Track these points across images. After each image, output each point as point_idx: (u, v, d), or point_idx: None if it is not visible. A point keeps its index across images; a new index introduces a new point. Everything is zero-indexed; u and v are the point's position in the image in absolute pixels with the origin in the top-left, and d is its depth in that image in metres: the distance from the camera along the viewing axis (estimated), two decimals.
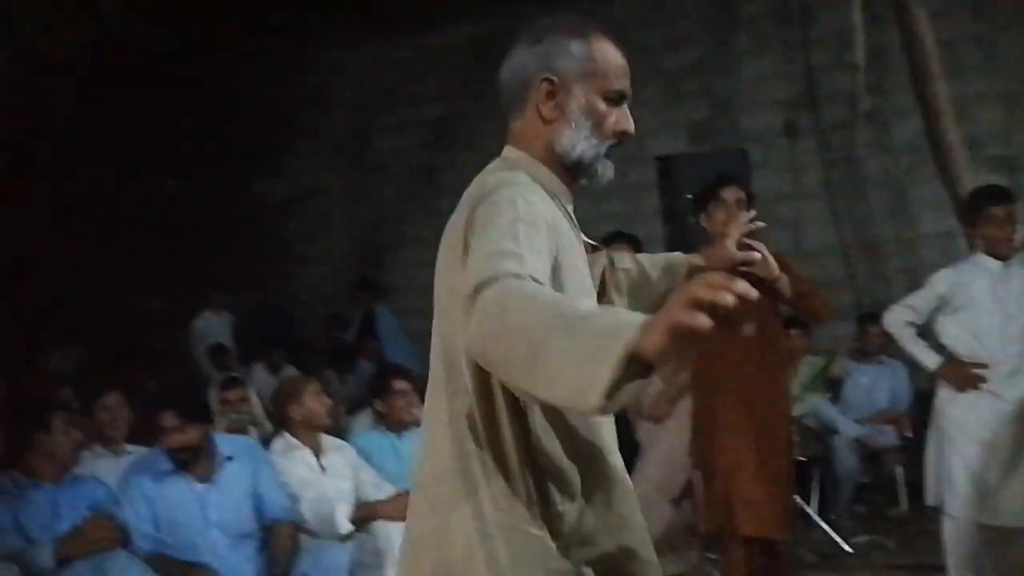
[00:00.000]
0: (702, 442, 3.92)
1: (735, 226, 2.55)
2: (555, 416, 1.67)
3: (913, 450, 5.60)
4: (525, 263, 1.48)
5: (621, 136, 1.81)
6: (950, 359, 3.90)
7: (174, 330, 8.87)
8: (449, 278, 1.68)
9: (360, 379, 8.17)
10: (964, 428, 3.81)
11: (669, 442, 4.43)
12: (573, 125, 1.77)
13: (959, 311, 3.87)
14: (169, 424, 3.63)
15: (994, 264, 3.84)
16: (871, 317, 6.20)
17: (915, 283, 4.28)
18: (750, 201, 3.86)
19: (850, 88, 7.59)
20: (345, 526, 3.97)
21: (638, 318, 1.24)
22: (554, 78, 1.75)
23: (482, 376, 1.61)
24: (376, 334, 8.98)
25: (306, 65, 10.13)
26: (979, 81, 7.19)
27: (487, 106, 9.47)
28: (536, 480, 1.66)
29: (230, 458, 3.80)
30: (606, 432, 1.78)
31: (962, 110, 6.40)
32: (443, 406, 1.69)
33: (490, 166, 1.82)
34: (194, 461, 3.67)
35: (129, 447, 4.46)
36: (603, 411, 1.25)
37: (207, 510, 3.68)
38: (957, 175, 5.88)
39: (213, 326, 8.74)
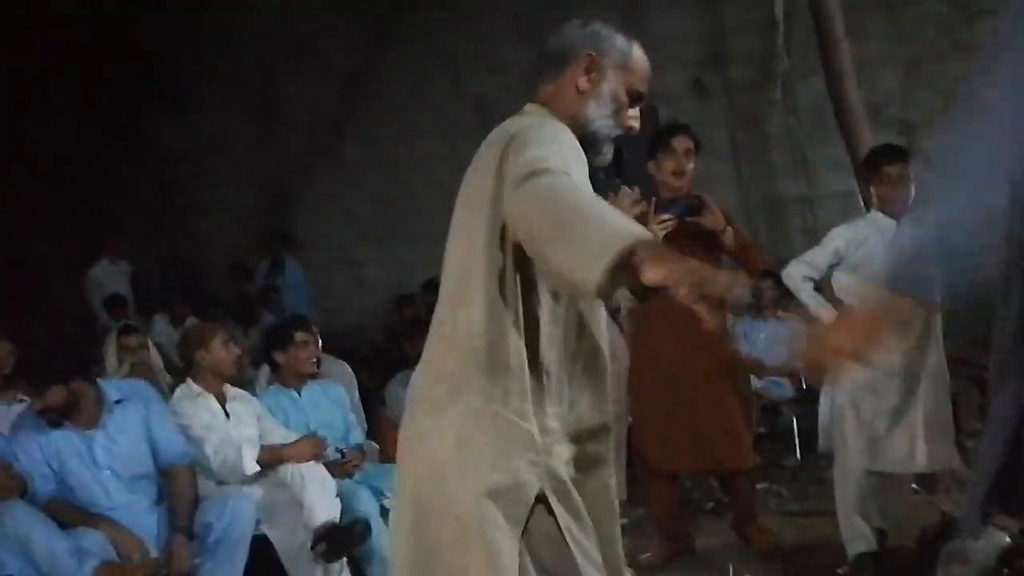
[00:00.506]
0: (657, 384, 4.12)
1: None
2: (560, 328, 1.88)
3: (808, 402, 5.81)
4: (570, 171, 1.74)
5: (628, 131, 2.05)
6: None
7: (71, 278, 8.61)
8: (475, 205, 1.84)
9: (263, 331, 8.09)
10: (856, 380, 3.95)
11: None
12: (600, 102, 2.00)
13: (855, 267, 3.99)
14: (27, 390, 3.59)
15: (887, 222, 3.96)
16: (763, 273, 6.36)
17: (815, 240, 4.41)
18: (696, 150, 4.13)
19: (758, 49, 7.72)
20: (252, 468, 3.95)
21: (639, 232, 1.52)
22: (596, 56, 1.99)
23: (502, 281, 1.82)
24: (277, 287, 8.90)
25: (212, 9, 9.83)
26: (881, 45, 7.38)
27: (397, 57, 9.37)
28: (533, 380, 1.85)
29: (119, 401, 3.76)
30: (600, 351, 1.99)
31: (864, 73, 6.58)
32: (448, 318, 1.87)
33: (511, 118, 1.98)
34: (72, 413, 3.63)
35: (21, 395, 4.34)
36: (598, 293, 1.52)
37: (95, 454, 3.65)
38: (857, 136, 6.04)
39: (110, 275, 8.51)
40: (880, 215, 3.98)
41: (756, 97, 8.00)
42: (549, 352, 1.88)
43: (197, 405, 4.10)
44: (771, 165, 7.96)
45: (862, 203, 5.58)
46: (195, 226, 10.09)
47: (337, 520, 3.85)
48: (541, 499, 1.86)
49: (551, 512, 1.86)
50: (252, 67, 10.01)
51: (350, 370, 5.48)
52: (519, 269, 1.82)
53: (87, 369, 3.89)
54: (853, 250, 4.00)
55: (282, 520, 3.89)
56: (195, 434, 3.98)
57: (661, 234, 3.94)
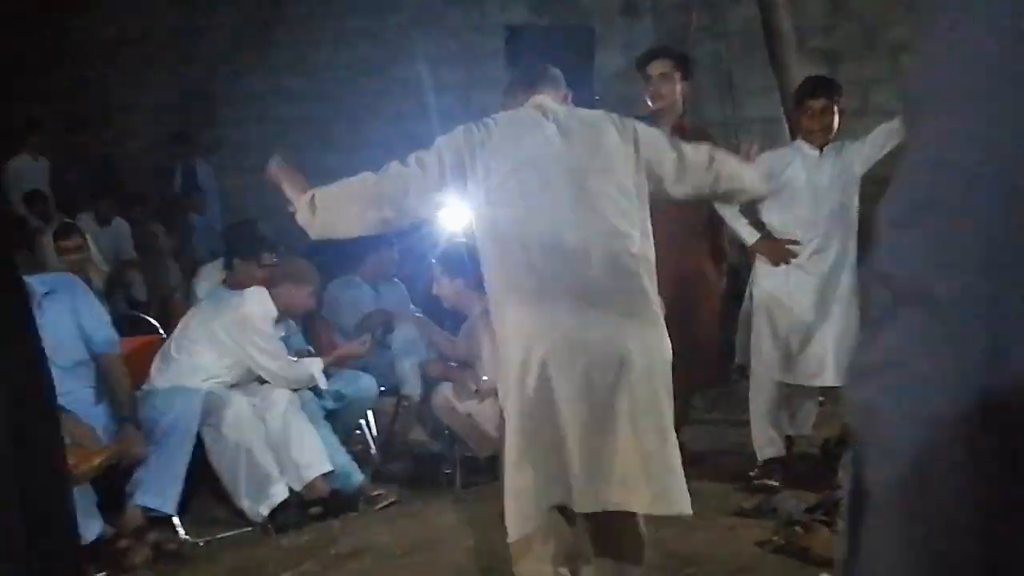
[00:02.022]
0: None
1: None
2: None
3: (722, 321, 6.08)
4: None
5: None
6: (767, 235, 4.26)
7: None
8: (618, 168, 2.69)
9: (186, 231, 8.07)
10: (774, 297, 4.21)
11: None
12: None
13: (778, 192, 4.20)
14: None
15: (811, 151, 4.17)
16: None
17: None
18: (682, 69, 4.25)
19: None
20: (322, 380, 4.31)
21: None
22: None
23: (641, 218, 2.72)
24: (199, 187, 8.83)
25: None
26: None
27: None
28: None
29: (47, 294, 3.81)
30: None
31: (790, 2, 6.72)
32: (623, 237, 2.62)
33: (559, 104, 2.81)
34: None
35: None
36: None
37: None
38: (786, 64, 6.21)
39: (30, 170, 8.31)
40: (804, 144, 4.20)
41: (685, 20, 8.10)
42: None
43: (277, 326, 4.33)
44: (697, 89, 8.11)
45: (787, 130, 5.80)
46: (116, 124, 9.85)
47: (327, 470, 4.07)
48: None
49: None
50: None
51: None
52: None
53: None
54: (776, 176, 4.20)
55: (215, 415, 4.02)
56: (268, 345, 4.22)
57: None
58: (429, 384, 4.72)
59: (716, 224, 4.37)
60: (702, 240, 4.41)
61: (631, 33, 8.24)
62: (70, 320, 3.82)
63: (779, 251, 4.18)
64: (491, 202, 2.62)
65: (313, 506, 4.07)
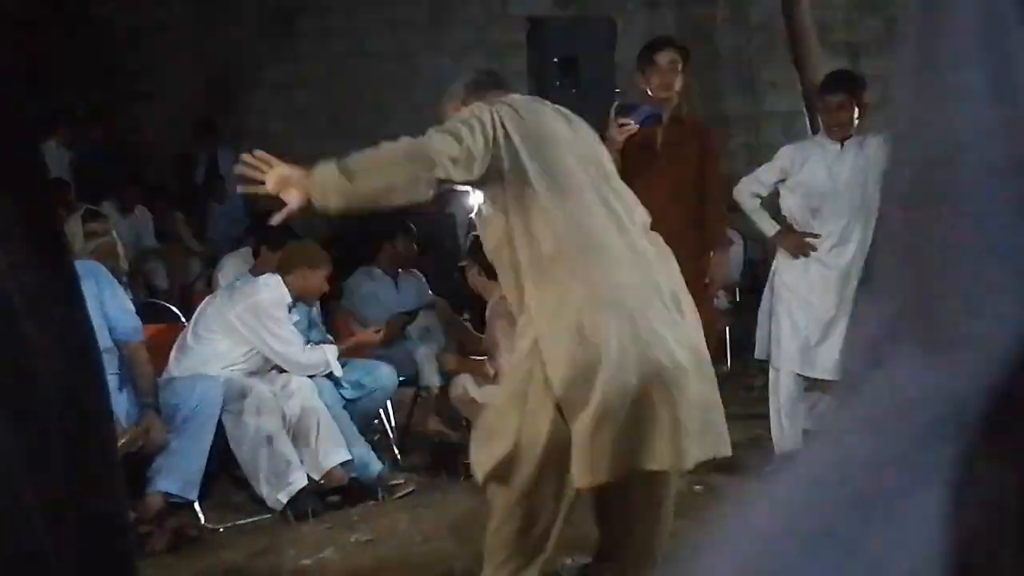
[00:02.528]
0: None
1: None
2: None
3: (739, 313, 6.09)
4: None
5: None
6: (787, 228, 4.25)
7: None
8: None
9: (206, 218, 8.13)
10: (794, 290, 4.21)
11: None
12: None
13: (798, 185, 4.20)
14: None
15: (832, 145, 4.16)
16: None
17: (755, 158, 4.58)
18: (685, 61, 4.21)
19: None
20: (336, 367, 4.34)
21: None
22: None
23: None
24: (220, 175, 8.86)
25: None
26: None
27: None
28: None
29: None
30: None
31: None
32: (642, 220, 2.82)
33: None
34: None
35: None
36: None
37: None
38: (807, 58, 6.18)
39: (55, 159, 8.35)
40: (825, 138, 4.19)
41: (706, 12, 8.07)
42: None
43: (292, 312, 4.35)
44: (717, 81, 8.10)
45: (808, 123, 5.78)
46: (138, 113, 9.90)
47: (346, 459, 4.10)
48: None
49: None
50: None
51: None
52: None
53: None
54: (796, 169, 4.20)
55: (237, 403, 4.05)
56: (282, 331, 4.22)
57: (621, 139, 3.97)
58: (447, 375, 4.75)
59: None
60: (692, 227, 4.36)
61: (652, 25, 8.22)
62: (94, 307, 3.84)
63: (799, 244, 4.18)
64: (542, 172, 2.63)
65: (332, 494, 4.10)
